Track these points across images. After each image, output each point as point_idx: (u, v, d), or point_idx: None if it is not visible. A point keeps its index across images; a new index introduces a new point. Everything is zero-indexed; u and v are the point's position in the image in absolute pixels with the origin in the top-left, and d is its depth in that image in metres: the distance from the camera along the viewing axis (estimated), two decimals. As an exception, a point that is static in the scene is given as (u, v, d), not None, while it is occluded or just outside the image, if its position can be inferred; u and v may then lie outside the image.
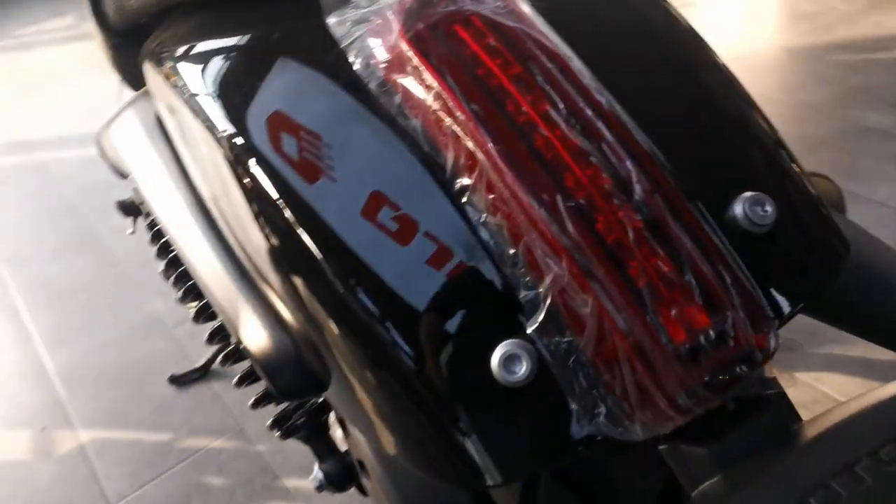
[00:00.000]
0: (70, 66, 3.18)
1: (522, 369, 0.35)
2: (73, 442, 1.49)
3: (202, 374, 1.56)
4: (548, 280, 0.34)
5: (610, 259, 0.34)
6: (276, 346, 0.48)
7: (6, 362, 1.72)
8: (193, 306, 0.79)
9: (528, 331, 0.35)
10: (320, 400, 0.78)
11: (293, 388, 0.48)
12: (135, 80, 0.85)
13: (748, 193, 0.38)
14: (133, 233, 1.26)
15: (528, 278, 0.35)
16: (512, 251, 0.36)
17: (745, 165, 0.41)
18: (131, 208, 1.20)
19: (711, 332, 0.33)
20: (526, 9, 0.37)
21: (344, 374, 0.43)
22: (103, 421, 1.52)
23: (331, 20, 0.40)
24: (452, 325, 0.38)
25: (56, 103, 2.93)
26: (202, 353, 1.57)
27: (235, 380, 0.74)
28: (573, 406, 0.35)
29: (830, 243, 0.41)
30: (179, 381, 1.56)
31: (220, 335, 0.80)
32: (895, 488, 0.32)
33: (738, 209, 0.38)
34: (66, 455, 1.47)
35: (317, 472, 0.78)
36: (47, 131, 2.74)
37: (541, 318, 0.35)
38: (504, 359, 0.35)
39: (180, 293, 0.82)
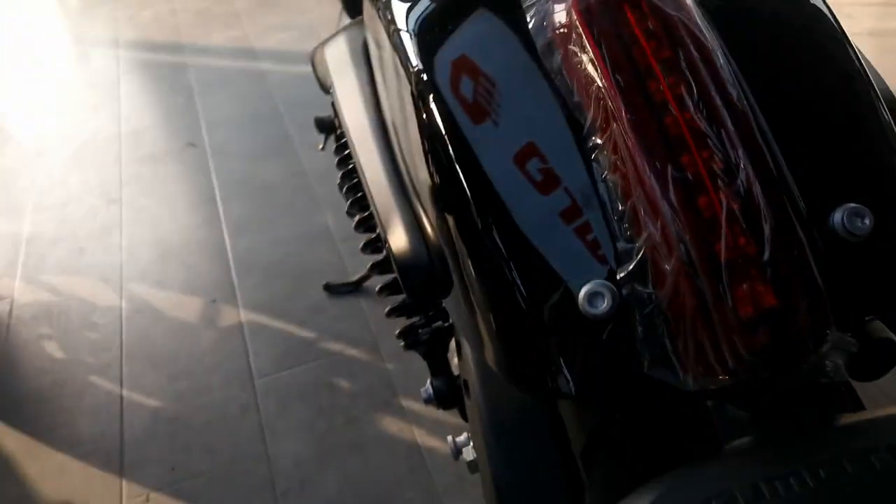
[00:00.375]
0: (303, -11, 3.43)
1: (603, 306, 0.40)
2: (234, 318, 1.68)
3: (354, 288, 1.71)
4: (643, 237, 0.39)
5: (700, 231, 0.38)
6: (414, 251, 0.56)
7: (196, 238, 1.96)
8: (358, 216, 0.90)
9: (618, 276, 0.40)
10: (445, 325, 0.86)
11: (420, 287, 0.56)
12: (354, 9, 0.96)
13: (851, 205, 0.41)
14: (322, 149, 1.39)
15: (628, 233, 0.41)
16: (621, 207, 0.41)
17: (855, 175, 0.43)
18: (326, 125, 1.33)
19: (773, 314, 0.36)
20: (688, 1, 0.41)
21: (464, 286, 0.50)
22: (263, 307, 1.70)
23: None
24: (558, 261, 0.43)
25: (284, 21, 3.18)
26: (358, 271, 1.71)
27: (378, 287, 0.84)
28: (640, 348, 0.40)
29: None
30: (333, 290, 1.71)
31: (374, 246, 0.90)
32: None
33: (837, 217, 0.41)
34: (226, 327, 1.66)
35: (428, 386, 0.87)
36: (271, 45, 2.99)
37: (630, 267, 0.40)
38: (589, 294, 0.41)
39: (349, 203, 0.92)
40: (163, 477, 1.36)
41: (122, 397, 1.53)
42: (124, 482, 1.36)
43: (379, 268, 0.87)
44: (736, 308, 0.37)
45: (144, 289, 1.81)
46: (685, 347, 0.38)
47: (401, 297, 0.90)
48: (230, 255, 1.88)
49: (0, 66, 3.14)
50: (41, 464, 1.41)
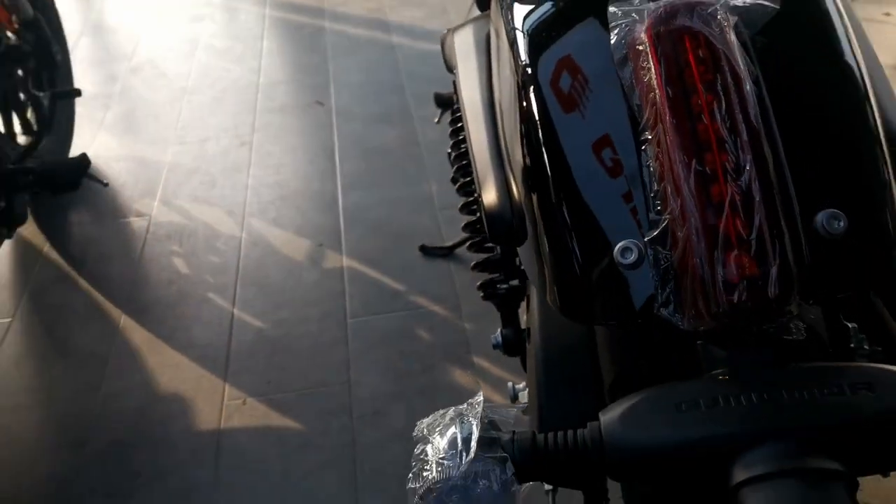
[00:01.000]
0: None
1: (631, 258, 0.54)
2: (337, 262, 1.87)
3: (446, 253, 1.86)
4: (668, 211, 0.52)
5: (708, 211, 0.50)
6: (500, 204, 0.70)
7: (312, 188, 2.16)
8: (461, 181, 1.05)
9: (646, 238, 0.53)
10: (519, 284, 1.00)
11: (501, 232, 0.70)
12: (484, 4, 1.10)
13: (830, 210, 0.52)
14: (437, 122, 1.55)
15: (658, 207, 0.53)
16: (656, 188, 0.53)
17: (840, 187, 0.55)
18: (444, 101, 1.48)
19: (751, 279, 0.48)
20: (732, 38, 0.53)
21: (535, 240, 0.64)
22: (363, 257, 1.88)
23: (612, 7, 0.59)
24: (606, 221, 0.57)
25: (425, 6, 3.36)
26: (452, 238, 1.86)
27: (468, 243, 0.98)
28: (654, 292, 0.53)
29: (879, 256, 0.54)
30: (427, 251, 1.88)
31: (470, 209, 1.05)
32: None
33: (819, 217, 0.52)
34: (329, 269, 1.86)
35: (498, 334, 1.01)
36: (404, 19, 3.18)
37: (655, 233, 0.52)
38: (622, 248, 0.54)
39: (455, 169, 1.07)
40: (259, 387, 1.56)
41: (232, 315, 1.75)
42: (227, 385, 1.57)
43: (471, 227, 1.02)
44: (724, 271, 0.49)
45: (262, 225, 2.03)
46: (685, 297, 0.51)
47: (485, 256, 1.05)
48: (340, 206, 2.07)
49: (162, 13, 3.45)
50: (161, 358, 1.64)
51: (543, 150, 0.64)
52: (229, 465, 1.41)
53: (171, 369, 1.62)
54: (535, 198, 0.65)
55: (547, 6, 0.72)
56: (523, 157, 0.68)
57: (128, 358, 1.65)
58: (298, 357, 1.62)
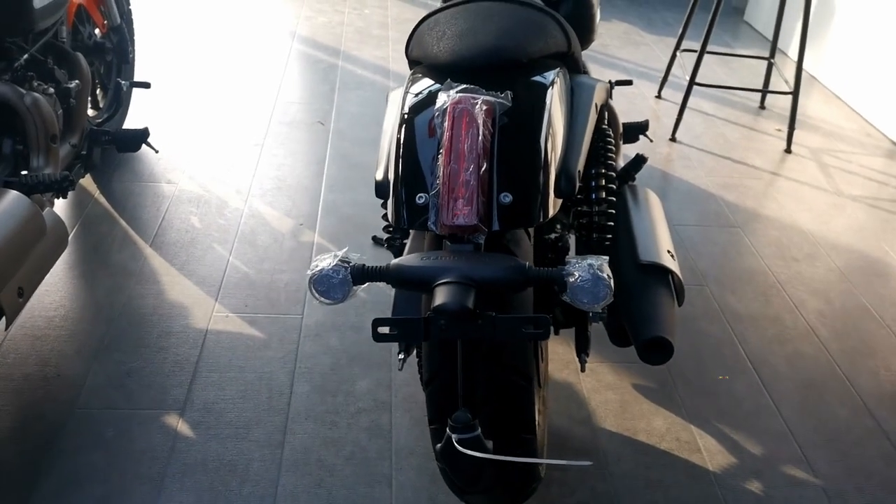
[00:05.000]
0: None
1: (422, 201, 1.20)
2: (311, 238, 2.54)
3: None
4: (439, 183, 1.19)
5: (453, 186, 1.15)
6: (382, 176, 1.37)
7: (303, 184, 2.84)
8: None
9: (430, 193, 1.20)
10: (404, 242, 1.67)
11: (381, 190, 1.36)
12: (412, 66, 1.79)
13: (505, 192, 1.19)
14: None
15: (437, 181, 1.20)
16: (441, 169, 1.20)
17: (513, 180, 1.22)
18: None
19: (465, 216, 1.14)
20: (483, 116, 1.20)
21: (391, 193, 1.31)
22: (330, 237, 2.55)
23: (440, 93, 1.25)
24: (418, 185, 1.24)
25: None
26: (397, 234, 2.54)
27: (383, 227, 1.65)
28: (429, 214, 1.20)
29: (528, 215, 1.22)
30: (376, 241, 2.55)
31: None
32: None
33: (501, 196, 1.19)
34: (304, 242, 2.52)
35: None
36: (402, 70, 3.90)
37: (433, 192, 1.19)
38: (419, 196, 1.21)
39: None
40: (239, 308, 2.21)
41: (228, 260, 2.41)
42: (216, 304, 2.23)
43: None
44: (454, 210, 1.15)
45: (261, 205, 2.70)
46: (440, 220, 1.17)
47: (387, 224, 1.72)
48: (321, 200, 2.75)
49: (206, 34, 4.17)
50: (172, 279, 2.30)
51: (401, 148, 1.30)
52: (211, 350, 2.05)
53: (178, 287, 2.27)
54: (392, 170, 1.31)
55: (424, 80, 1.40)
56: (393, 151, 1.35)
57: (149, 275, 2.31)
58: (270, 294, 2.28)
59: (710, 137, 3.46)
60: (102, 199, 2.65)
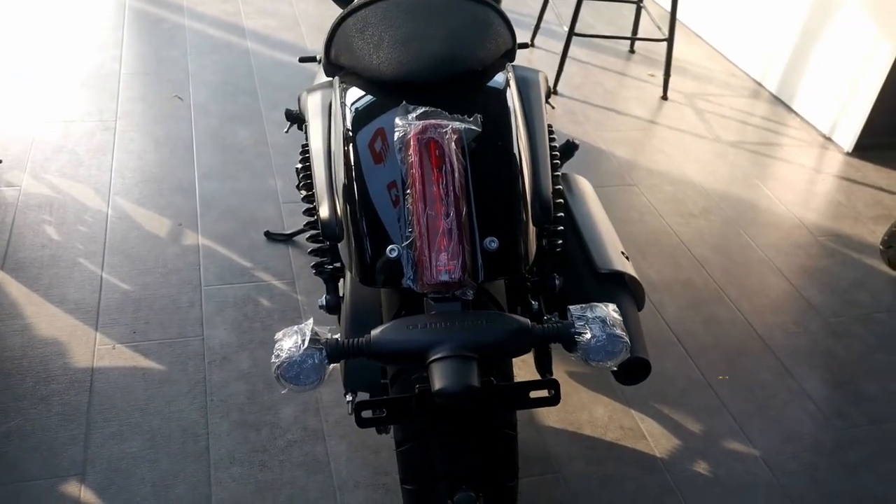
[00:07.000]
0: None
1: (394, 255, 1.03)
2: (194, 240, 2.26)
3: (286, 238, 2.30)
4: (413, 231, 1.02)
5: (431, 234, 1.00)
6: (329, 217, 1.16)
7: (173, 174, 2.51)
8: (304, 193, 1.50)
9: (403, 244, 1.03)
10: (339, 265, 1.48)
11: (330, 234, 1.17)
12: (330, 72, 1.56)
13: (490, 237, 1.05)
14: (286, 132, 1.99)
15: (410, 229, 1.03)
16: (410, 218, 1.03)
17: (497, 223, 1.08)
18: (293, 116, 1.92)
19: (449, 272, 0.99)
20: (453, 145, 1.03)
21: (348, 236, 1.11)
22: (216, 237, 2.28)
23: (397, 119, 1.07)
24: (384, 233, 1.06)
25: (273, 7, 3.72)
26: (293, 226, 2.30)
27: (308, 236, 1.44)
28: (405, 272, 1.03)
29: (513, 262, 1.08)
30: (270, 236, 2.31)
31: (310, 212, 1.51)
32: None
33: (485, 241, 1.05)
34: (187, 246, 2.24)
35: (323, 299, 1.48)
36: (258, 27, 3.54)
37: (407, 242, 1.02)
38: (390, 248, 1.03)
39: (300, 183, 1.53)
40: (126, 336, 1.93)
41: (101, 277, 2.09)
42: (98, 334, 1.93)
43: (311, 225, 1.48)
44: (436, 264, 0.99)
45: (127, 203, 2.37)
46: (418, 276, 1.01)
47: (318, 246, 1.52)
48: (198, 193, 2.45)
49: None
50: (38, 309, 1.97)
51: (356, 184, 1.12)
52: (102, 392, 1.78)
53: (47, 318, 1.95)
54: (349, 213, 1.13)
55: (366, 97, 1.20)
56: (346, 187, 1.16)
57: (8, 307, 1.96)
58: (160, 314, 2.01)
59: (590, 87, 3.41)
60: (-72, 215, 2.21)
